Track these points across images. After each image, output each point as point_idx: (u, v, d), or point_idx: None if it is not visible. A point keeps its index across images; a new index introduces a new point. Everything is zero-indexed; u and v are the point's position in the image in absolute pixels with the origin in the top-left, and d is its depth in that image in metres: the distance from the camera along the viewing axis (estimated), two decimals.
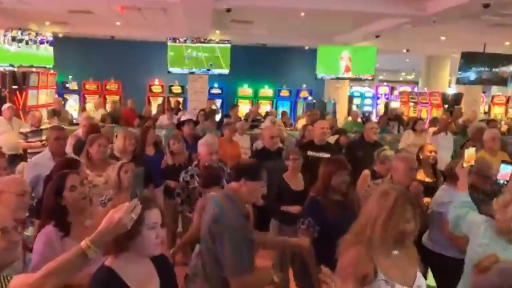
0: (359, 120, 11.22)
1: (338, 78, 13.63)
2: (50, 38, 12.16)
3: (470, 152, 3.42)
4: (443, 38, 12.79)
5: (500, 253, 2.43)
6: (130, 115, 10.89)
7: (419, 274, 2.30)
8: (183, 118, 7.21)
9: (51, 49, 12.11)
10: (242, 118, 10.94)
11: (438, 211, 3.68)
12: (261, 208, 4.74)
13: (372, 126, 6.15)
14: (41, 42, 11.82)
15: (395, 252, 2.24)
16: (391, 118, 12.34)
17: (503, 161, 3.50)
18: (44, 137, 6.91)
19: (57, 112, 9.99)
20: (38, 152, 5.52)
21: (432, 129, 7.21)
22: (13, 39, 10.82)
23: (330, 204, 3.32)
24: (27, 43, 11.22)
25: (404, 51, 15.82)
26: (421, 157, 4.64)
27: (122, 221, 1.71)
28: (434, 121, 9.26)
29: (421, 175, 4.47)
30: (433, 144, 6.66)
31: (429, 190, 3.99)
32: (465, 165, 3.32)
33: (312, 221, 3.29)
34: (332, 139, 6.74)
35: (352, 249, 2.24)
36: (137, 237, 1.86)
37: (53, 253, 2.28)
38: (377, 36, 11.65)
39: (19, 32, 11.06)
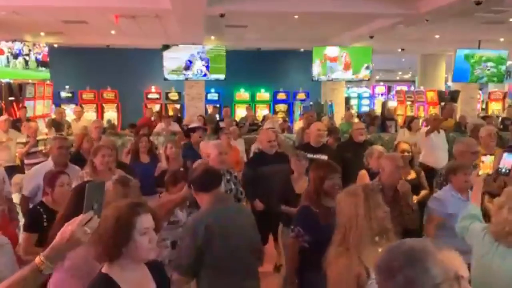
0: (355, 120, 11.24)
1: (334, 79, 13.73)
2: (45, 50, 12.17)
3: (489, 160, 3.20)
4: (437, 36, 12.83)
5: (499, 262, 2.38)
6: (148, 123, 10.74)
7: None
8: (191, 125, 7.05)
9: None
10: (239, 122, 10.96)
11: (428, 205, 3.71)
12: (263, 213, 4.77)
13: (359, 127, 6.12)
14: (37, 60, 11.87)
15: (380, 250, 2.25)
16: (388, 117, 12.37)
17: (506, 150, 3.41)
18: (40, 148, 6.94)
19: (57, 123, 9.96)
20: (36, 163, 5.56)
21: (424, 129, 7.21)
22: (14, 56, 10.95)
23: (322, 210, 3.25)
24: (21, 56, 11.28)
25: (399, 50, 15.87)
26: None
27: (75, 235, 1.66)
28: (426, 120, 9.30)
29: None
30: (426, 143, 6.73)
31: (412, 188, 4.00)
32: (480, 173, 3.09)
33: (301, 230, 3.22)
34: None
35: (340, 258, 2.28)
36: (130, 243, 1.88)
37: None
38: (371, 37, 11.68)
39: (15, 48, 11.15)
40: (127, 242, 1.88)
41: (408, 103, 15.76)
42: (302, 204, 3.44)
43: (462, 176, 3.54)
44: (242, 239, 2.92)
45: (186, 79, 12.67)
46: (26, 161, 6.80)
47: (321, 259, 2.40)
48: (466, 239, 2.74)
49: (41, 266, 1.64)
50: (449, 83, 17.74)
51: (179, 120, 11.42)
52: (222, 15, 8.77)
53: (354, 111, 15.35)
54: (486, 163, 3.17)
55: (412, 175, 4.65)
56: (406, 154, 4.71)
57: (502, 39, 13.28)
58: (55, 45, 13.78)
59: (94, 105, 14.89)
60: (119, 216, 1.89)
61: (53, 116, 11.28)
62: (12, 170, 6.05)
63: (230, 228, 2.88)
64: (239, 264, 2.87)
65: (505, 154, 3.23)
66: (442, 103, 13.39)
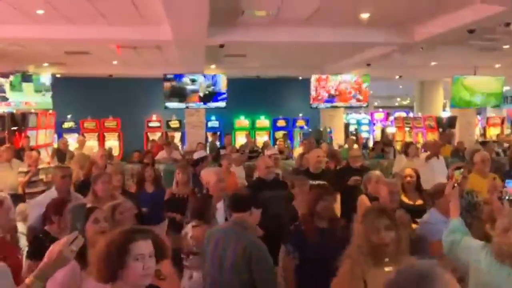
0: (355, 146, 11.32)
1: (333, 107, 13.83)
2: (48, 80, 12.34)
3: (458, 173, 3.25)
4: (433, 63, 13.02)
5: (505, 279, 2.35)
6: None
7: None
8: (196, 156, 6.95)
9: (49, 94, 12.22)
10: (238, 149, 11.02)
11: (421, 234, 3.62)
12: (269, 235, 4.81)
13: (354, 154, 6.30)
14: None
15: (388, 269, 2.31)
16: (386, 143, 12.46)
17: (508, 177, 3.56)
18: (41, 177, 7.01)
19: (60, 153, 10.01)
20: (36, 192, 5.63)
21: (424, 155, 7.28)
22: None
23: (312, 230, 3.34)
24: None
25: (397, 77, 16.07)
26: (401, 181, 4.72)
27: (62, 254, 1.76)
28: (425, 146, 9.35)
29: (405, 199, 4.52)
30: (425, 168, 6.80)
31: (417, 213, 3.98)
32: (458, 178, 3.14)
33: (291, 247, 3.33)
34: None
35: (344, 267, 2.38)
36: (123, 268, 1.90)
37: (73, 284, 2.40)
38: (368, 65, 11.86)
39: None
40: (121, 266, 1.89)
41: (407, 129, 15.88)
42: (295, 223, 3.57)
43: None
44: (220, 264, 3.00)
45: (187, 107, 12.81)
46: (27, 190, 6.86)
47: (308, 276, 2.47)
48: (458, 253, 2.69)
49: (32, 286, 1.74)
50: (447, 108, 17.91)
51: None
52: (221, 46, 8.95)
53: (354, 137, 15.45)
54: (456, 176, 3.16)
55: (418, 200, 4.56)
56: (409, 179, 4.69)
57: (497, 65, 13.47)
58: (58, 75, 13.98)
59: (96, 134, 15.00)
60: (111, 241, 1.93)
61: (56, 146, 11.38)
62: (14, 199, 6.10)
63: (217, 246, 3.07)
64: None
65: (507, 182, 3.39)
66: (440, 129, 13.51)
